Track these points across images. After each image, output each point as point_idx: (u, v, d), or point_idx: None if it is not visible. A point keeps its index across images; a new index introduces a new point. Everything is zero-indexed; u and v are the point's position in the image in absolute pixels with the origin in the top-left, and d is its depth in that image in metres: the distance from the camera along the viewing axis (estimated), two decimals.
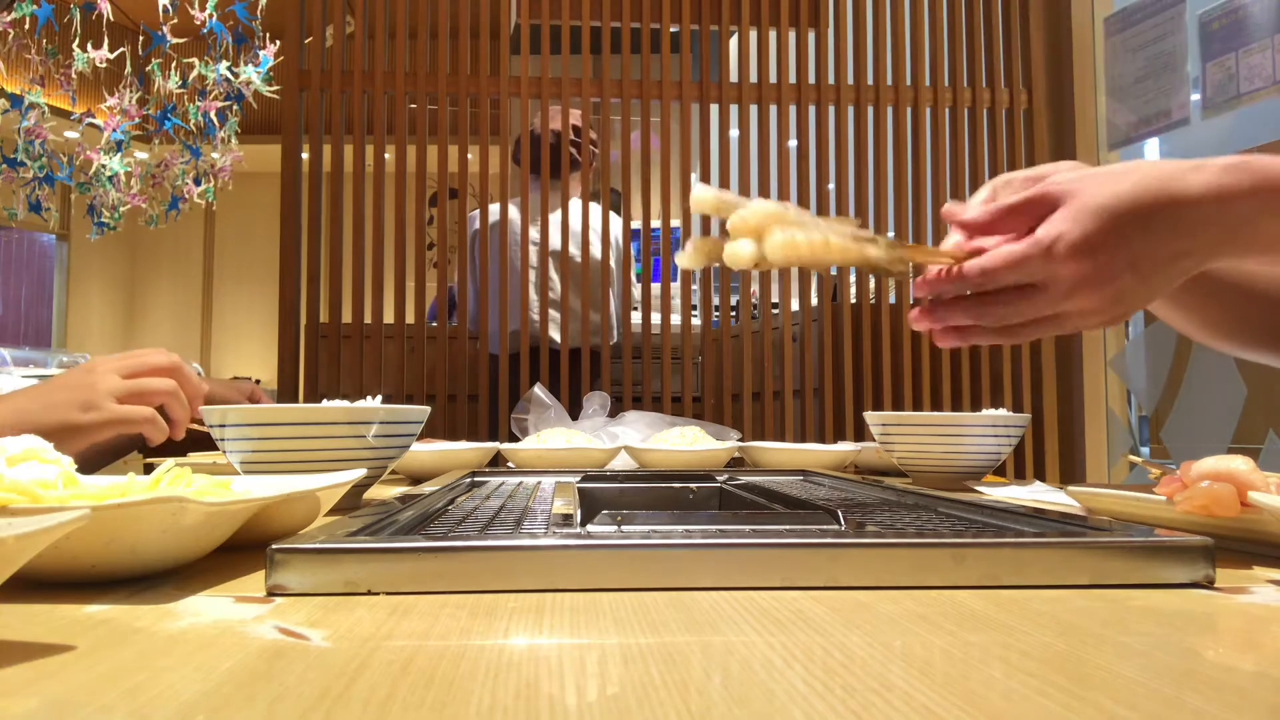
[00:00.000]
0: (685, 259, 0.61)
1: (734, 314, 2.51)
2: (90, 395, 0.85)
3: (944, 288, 0.60)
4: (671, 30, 2.38)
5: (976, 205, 0.62)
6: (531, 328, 2.38)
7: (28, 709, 0.26)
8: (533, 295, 2.39)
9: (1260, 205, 0.54)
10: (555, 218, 2.39)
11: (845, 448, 1.31)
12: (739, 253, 0.57)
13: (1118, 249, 0.54)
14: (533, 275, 2.40)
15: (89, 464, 1.06)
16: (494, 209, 2.40)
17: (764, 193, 2.35)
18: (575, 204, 2.38)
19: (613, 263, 2.46)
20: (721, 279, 2.52)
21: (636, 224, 2.40)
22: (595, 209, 2.43)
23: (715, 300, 2.55)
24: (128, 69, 3.35)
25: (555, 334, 2.37)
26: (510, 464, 1.26)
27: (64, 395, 0.86)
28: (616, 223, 2.48)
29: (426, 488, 0.75)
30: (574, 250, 2.37)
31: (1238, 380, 1.87)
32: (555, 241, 2.39)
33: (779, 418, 2.38)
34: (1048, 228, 0.55)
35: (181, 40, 3.21)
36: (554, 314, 2.39)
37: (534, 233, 2.43)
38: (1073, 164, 0.63)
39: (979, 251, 0.59)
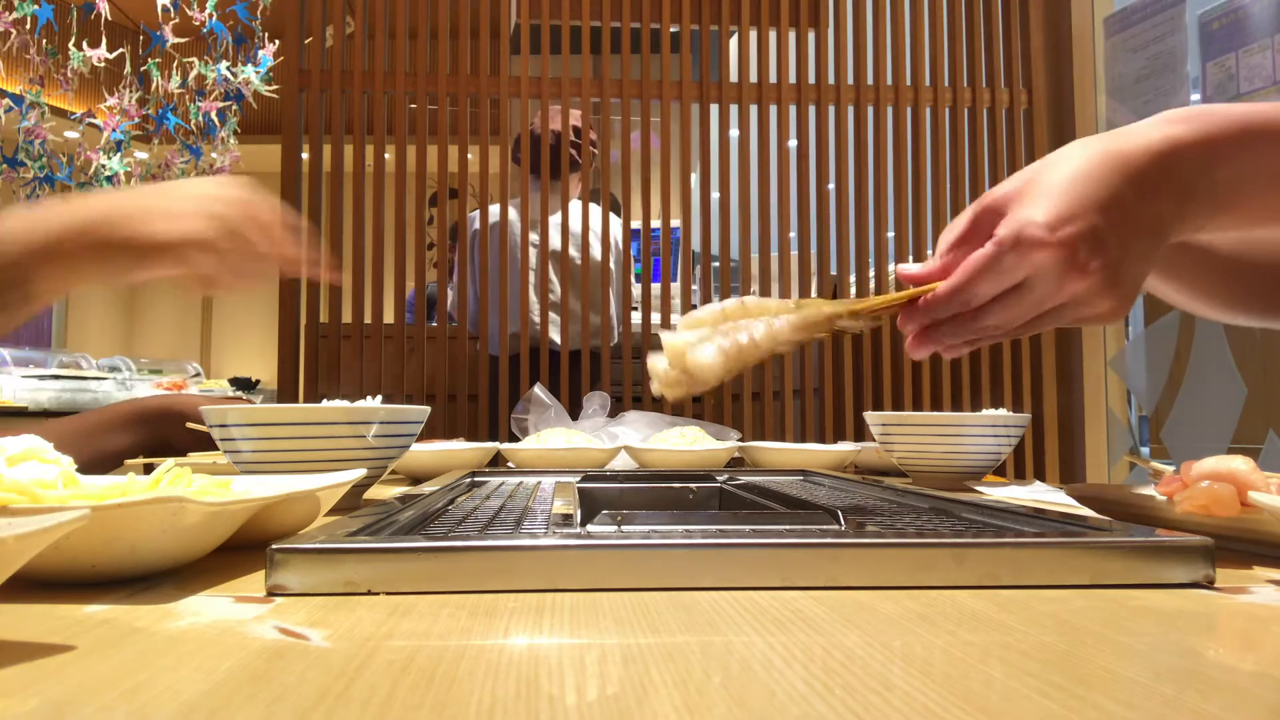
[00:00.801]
0: (659, 388, 0.60)
1: None
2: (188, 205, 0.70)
3: (925, 317, 0.56)
4: (671, 30, 2.38)
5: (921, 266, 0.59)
6: (531, 329, 2.38)
7: (28, 709, 0.26)
8: (532, 296, 2.39)
9: (1209, 154, 0.52)
10: (555, 219, 2.39)
11: (845, 448, 1.31)
12: (700, 362, 0.58)
13: (1087, 217, 0.51)
14: (532, 276, 2.40)
15: (100, 465, 1.05)
16: (494, 209, 2.40)
17: (764, 193, 2.35)
18: (575, 205, 2.38)
19: (612, 264, 2.46)
20: (722, 279, 2.52)
21: (636, 224, 2.40)
22: (595, 210, 2.43)
23: (715, 300, 2.55)
24: (127, 69, 3.35)
25: (555, 335, 2.37)
26: (510, 464, 1.26)
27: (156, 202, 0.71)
28: (616, 224, 2.48)
29: (426, 488, 0.75)
30: (574, 251, 2.37)
31: (1238, 380, 1.87)
32: (555, 242, 2.39)
33: (779, 418, 2.38)
34: (1006, 224, 0.52)
35: (182, 40, 3.22)
36: (553, 315, 2.39)
37: (534, 234, 2.43)
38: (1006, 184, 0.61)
39: (942, 278, 0.56)
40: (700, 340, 0.58)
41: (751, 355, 0.58)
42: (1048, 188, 0.52)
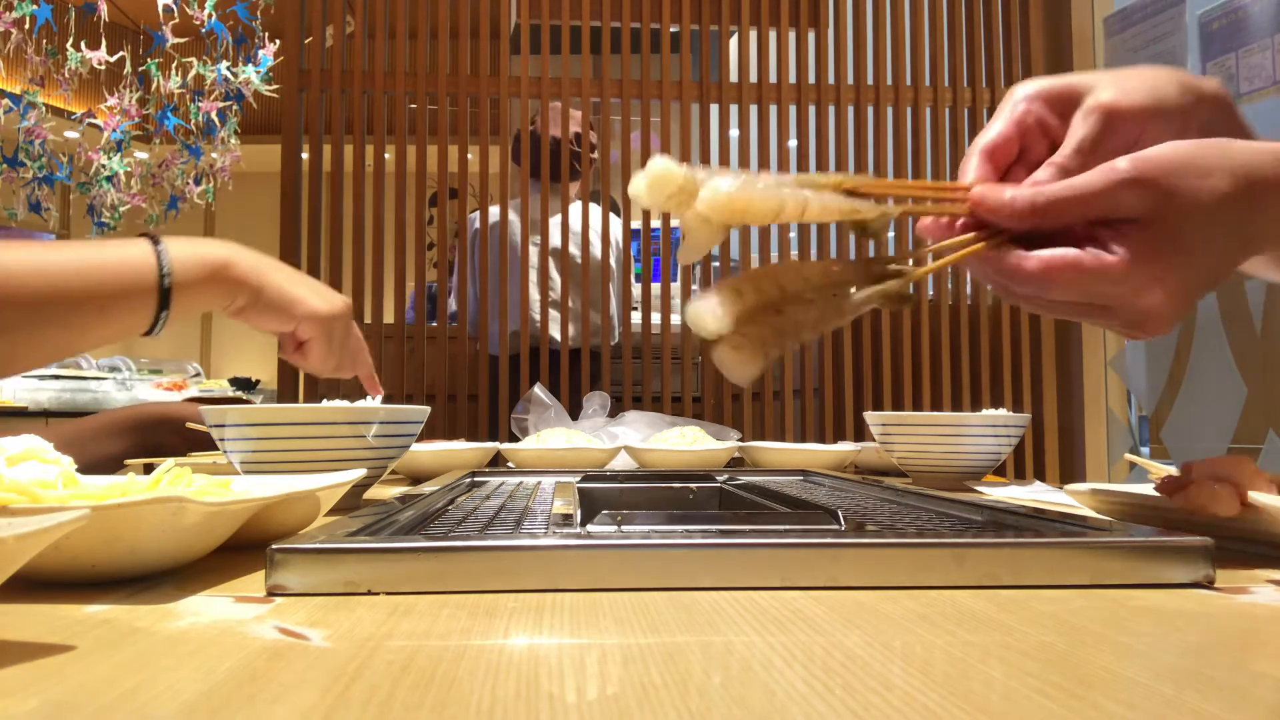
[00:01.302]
0: (683, 255, 0.48)
1: None
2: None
3: (1005, 214, 0.49)
4: (671, 30, 2.38)
5: (993, 183, 0.52)
6: (531, 328, 2.38)
7: (28, 709, 0.26)
8: (533, 296, 2.39)
9: None
10: (555, 219, 2.39)
11: (845, 448, 1.31)
12: (702, 315, 0.44)
13: (1197, 265, 0.47)
14: (533, 275, 2.40)
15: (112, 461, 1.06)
16: (494, 210, 2.40)
17: None
18: (575, 205, 2.38)
19: (613, 263, 2.46)
20: (721, 278, 2.52)
21: (636, 224, 2.40)
22: (595, 210, 2.43)
23: None
24: (127, 69, 3.35)
25: (556, 333, 2.37)
26: (510, 464, 1.26)
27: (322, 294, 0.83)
28: (616, 225, 2.48)
29: (426, 488, 0.75)
30: (574, 250, 2.37)
31: (1238, 380, 1.87)
32: (554, 241, 2.39)
33: (779, 418, 2.38)
34: (1134, 270, 0.47)
35: (182, 40, 3.22)
36: (554, 314, 2.39)
37: (534, 235, 2.43)
38: (1117, 85, 0.53)
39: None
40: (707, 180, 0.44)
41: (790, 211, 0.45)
42: (1182, 236, 0.47)
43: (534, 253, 2.41)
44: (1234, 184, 0.47)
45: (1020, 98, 0.55)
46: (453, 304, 2.45)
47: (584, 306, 2.34)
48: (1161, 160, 0.47)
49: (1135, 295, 0.48)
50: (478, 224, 2.36)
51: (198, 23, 3.13)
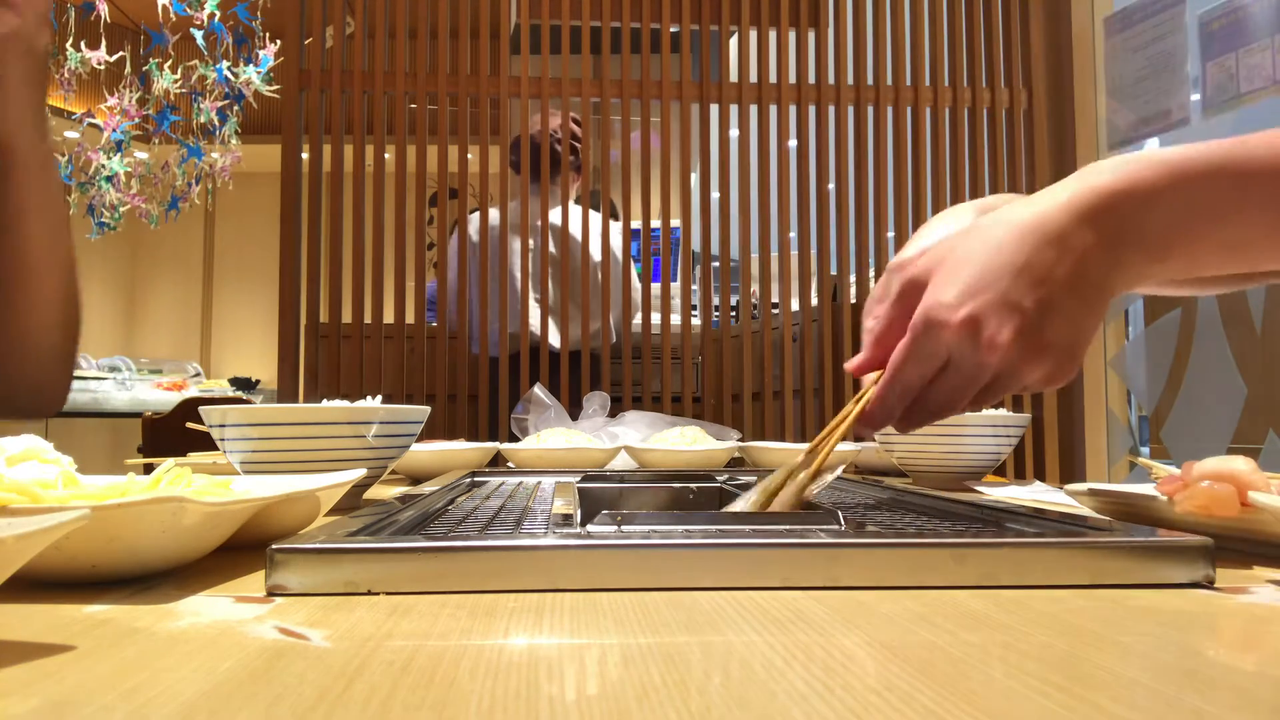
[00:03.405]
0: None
1: (734, 314, 2.51)
2: None
3: (880, 419, 0.57)
4: (671, 30, 2.38)
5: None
6: (530, 329, 2.38)
7: (28, 709, 0.26)
8: (531, 298, 2.39)
9: (1136, 200, 0.50)
10: (555, 220, 2.39)
11: (845, 448, 1.31)
12: None
13: (995, 287, 0.50)
14: (532, 267, 2.39)
15: None
16: (493, 211, 2.40)
17: (764, 193, 2.35)
18: (575, 209, 2.38)
19: (616, 257, 2.46)
20: (722, 279, 2.52)
21: (636, 224, 2.40)
22: (594, 214, 2.43)
23: (715, 300, 2.55)
24: (128, 69, 3.35)
25: (555, 341, 2.37)
26: (510, 464, 1.26)
27: None
28: (616, 229, 2.48)
29: (426, 488, 0.75)
30: (573, 252, 2.37)
31: (1238, 380, 1.87)
32: (553, 243, 2.39)
33: (779, 418, 2.38)
34: (920, 309, 0.53)
35: (180, 37, 3.22)
36: (553, 316, 2.39)
37: (533, 239, 2.43)
38: (939, 225, 0.60)
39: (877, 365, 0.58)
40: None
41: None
42: (957, 263, 0.52)
43: (533, 253, 2.41)
44: (1002, 217, 0.53)
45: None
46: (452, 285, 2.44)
47: (584, 310, 2.34)
48: (922, 260, 0.56)
49: (940, 330, 0.52)
50: (473, 225, 2.36)
51: (198, 23, 3.14)
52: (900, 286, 0.56)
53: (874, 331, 0.59)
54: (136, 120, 3.44)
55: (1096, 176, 0.51)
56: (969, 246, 0.53)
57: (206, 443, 0.93)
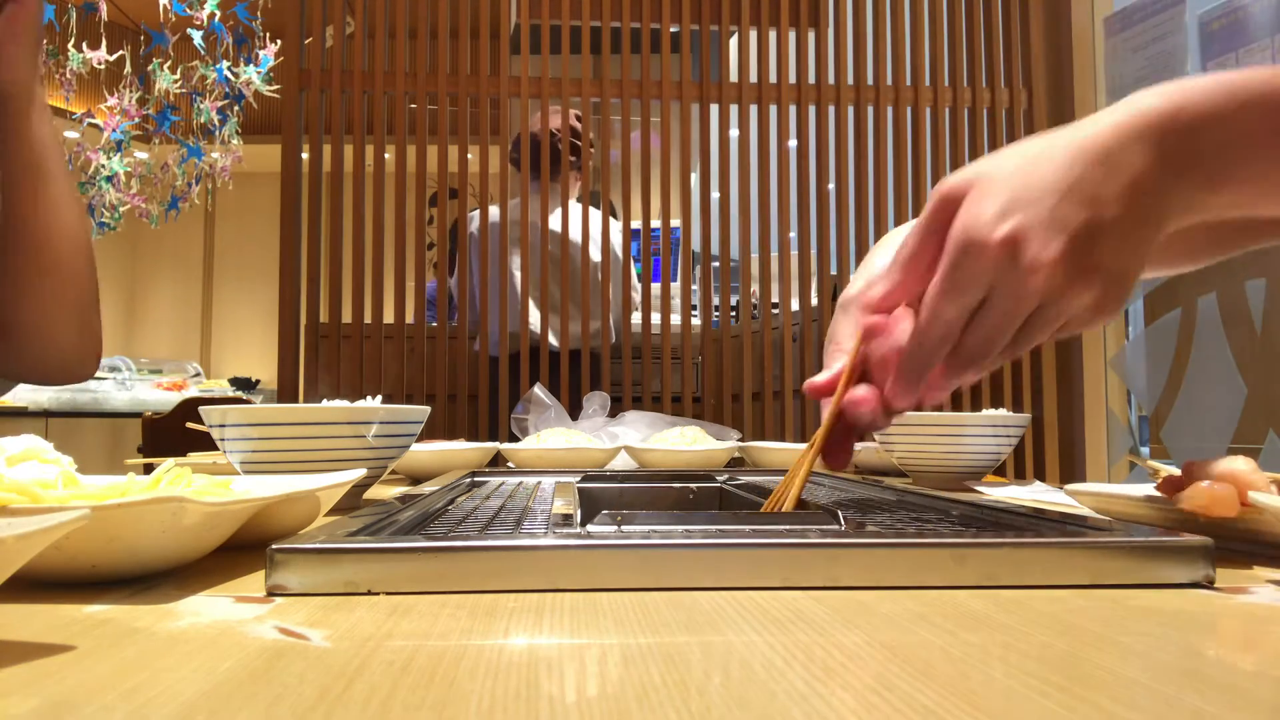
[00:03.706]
0: None
1: (734, 314, 2.51)
2: None
3: (918, 369, 0.50)
4: (671, 30, 2.38)
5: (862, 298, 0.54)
6: (530, 328, 2.38)
7: (28, 709, 0.26)
8: (532, 297, 2.39)
9: (1189, 122, 0.47)
10: (555, 221, 2.39)
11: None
12: None
13: (1042, 202, 0.46)
14: (532, 273, 2.39)
15: None
16: (493, 210, 2.40)
17: (764, 193, 2.35)
18: (575, 208, 2.38)
19: (616, 255, 2.46)
20: (722, 279, 2.52)
21: (636, 224, 2.40)
22: (594, 212, 2.43)
23: (715, 300, 2.55)
24: (127, 69, 3.35)
25: (554, 340, 2.37)
26: (510, 464, 1.26)
27: None
28: (616, 228, 2.48)
29: (426, 488, 0.75)
30: (573, 251, 2.37)
31: (1238, 380, 1.87)
32: (554, 241, 2.39)
33: (779, 418, 2.38)
34: (954, 230, 0.48)
35: (180, 37, 3.22)
36: (553, 315, 2.39)
37: (533, 235, 2.43)
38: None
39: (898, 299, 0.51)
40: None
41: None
42: (996, 180, 0.48)
43: (533, 252, 2.41)
44: (1048, 138, 0.49)
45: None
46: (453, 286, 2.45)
47: (584, 312, 2.34)
48: (953, 177, 0.51)
49: (982, 250, 0.46)
50: (475, 224, 2.36)
51: (198, 23, 3.14)
52: (935, 203, 0.50)
53: (902, 256, 0.52)
54: (136, 120, 3.44)
55: (1144, 100, 0.48)
56: (1009, 165, 0.48)
57: (206, 443, 0.93)
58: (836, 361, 0.56)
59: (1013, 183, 0.47)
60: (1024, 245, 0.45)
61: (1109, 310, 0.48)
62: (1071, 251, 0.45)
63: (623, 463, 1.28)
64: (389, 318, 2.30)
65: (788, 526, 0.52)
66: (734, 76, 2.39)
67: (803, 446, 1.32)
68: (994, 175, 0.48)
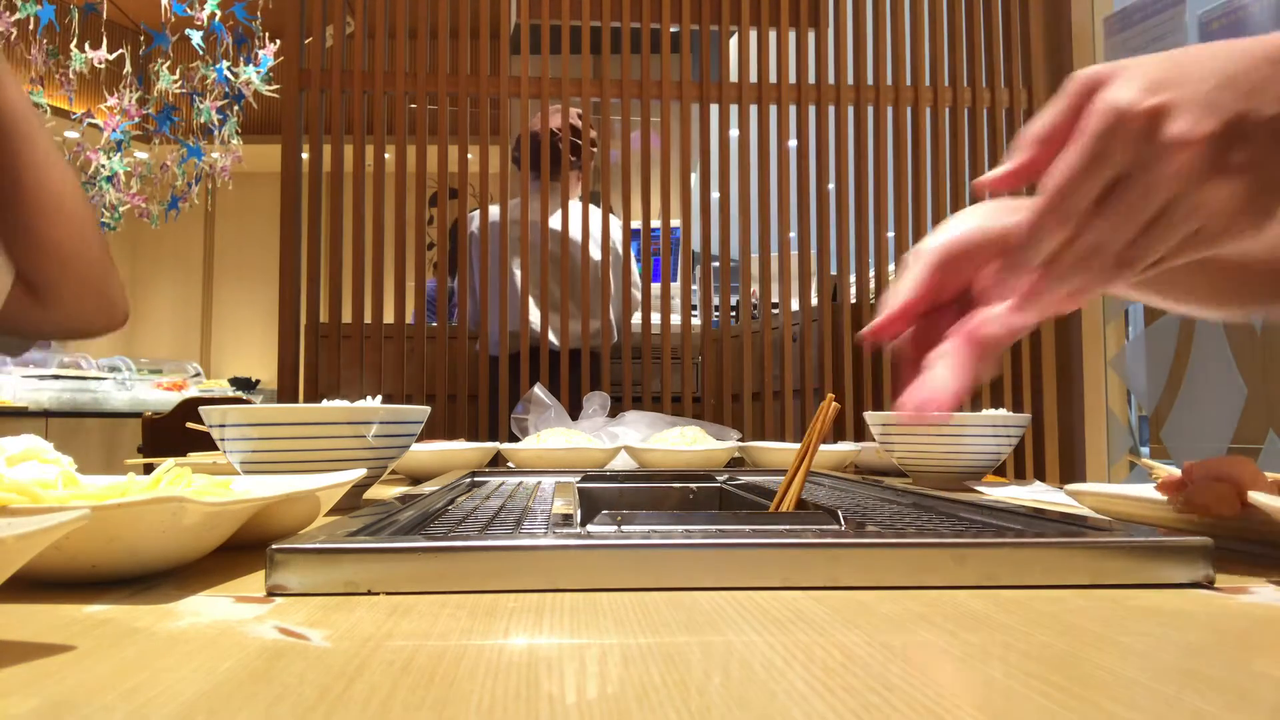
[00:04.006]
0: None
1: (734, 314, 2.51)
2: None
3: (1029, 255, 0.44)
4: (671, 30, 2.38)
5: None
6: (530, 328, 2.38)
7: (28, 709, 0.26)
8: (532, 296, 2.39)
9: None
10: (556, 221, 2.39)
11: (845, 448, 1.31)
12: None
13: (1197, 84, 0.41)
14: (533, 272, 2.40)
15: None
16: (493, 210, 2.40)
17: (764, 193, 2.35)
18: (575, 207, 2.38)
19: (611, 265, 2.46)
20: (722, 279, 2.52)
21: (636, 224, 2.40)
22: (595, 211, 2.43)
23: (715, 300, 2.55)
24: (127, 69, 3.36)
25: (555, 339, 2.37)
26: (510, 464, 1.26)
27: None
28: (616, 226, 2.48)
29: (426, 488, 0.75)
30: (573, 251, 2.37)
31: (1238, 380, 1.87)
32: (554, 241, 2.39)
33: (779, 418, 2.38)
34: (1096, 101, 0.43)
35: (180, 37, 3.22)
36: (553, 315, 2.39)
37: (534, 234, 2.43)
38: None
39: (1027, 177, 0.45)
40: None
41: None
42: (1150, 64, 0.43)
43: (534, 252, 2.41)
44: (1214, 41, 0.44)
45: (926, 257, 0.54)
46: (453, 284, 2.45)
47: (584, 311, 2.34)
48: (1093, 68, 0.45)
49: (1124, 121, 0.41)
50: (475, 224, 2.36)
51: (198, 24, 3.14)
52: (1075, 85, 0.45)
53: (1034, 131, 0.47)
54: (136, 120, 3.44)
55: None
56: (1160, 56, 0.43)
57: (206, 443, 0.93)
58: (1024, 146, 0.49)
59: (1166, 66, 0.42)
60: (1172, 118, 0.41)
61: (1248, 222, 0.42)
62: (1222, 135, 0.41)
63: (623, 463, 1.28)
64: (389, 318, 2.30)
65: (788, 526, 0.52)
66: (734, 76, 2.39)
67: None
68: (1144, 62, 0.43)
